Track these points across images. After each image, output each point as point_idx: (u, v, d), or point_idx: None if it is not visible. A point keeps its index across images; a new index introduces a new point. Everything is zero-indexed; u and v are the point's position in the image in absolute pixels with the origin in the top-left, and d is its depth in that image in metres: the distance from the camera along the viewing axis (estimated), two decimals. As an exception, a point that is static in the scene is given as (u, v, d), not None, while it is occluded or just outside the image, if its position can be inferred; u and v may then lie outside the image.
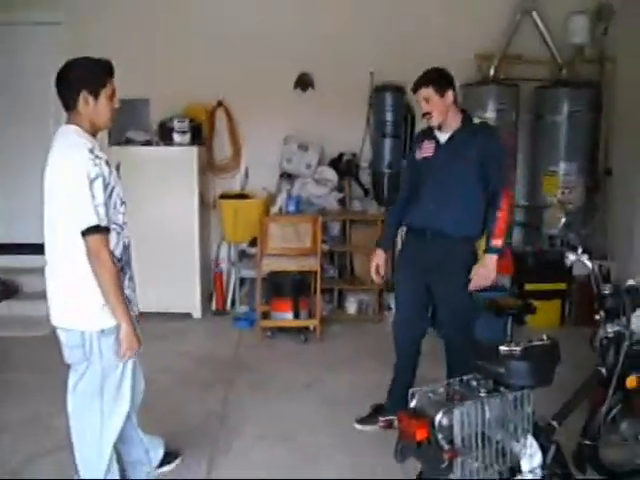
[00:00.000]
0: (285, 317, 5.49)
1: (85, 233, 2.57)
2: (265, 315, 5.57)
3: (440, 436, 2.22)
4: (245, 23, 6.17)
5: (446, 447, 2.21)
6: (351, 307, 6.09)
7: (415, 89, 3.53)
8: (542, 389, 2.53)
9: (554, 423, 2.73)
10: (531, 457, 2.49)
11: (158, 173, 5.70)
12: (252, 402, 4.21)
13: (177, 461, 3.38)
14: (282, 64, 6.19)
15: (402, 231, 3.92)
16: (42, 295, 2.87)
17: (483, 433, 2.32)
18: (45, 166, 2.70)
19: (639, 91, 5.63)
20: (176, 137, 5.81)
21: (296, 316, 5.48)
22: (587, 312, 4.53)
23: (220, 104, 6.32)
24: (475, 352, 2.66)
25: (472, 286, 3.47)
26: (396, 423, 2.35)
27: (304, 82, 6.30)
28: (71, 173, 2.58)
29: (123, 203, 2.78)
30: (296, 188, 6.11)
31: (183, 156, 5.83)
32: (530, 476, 2.50)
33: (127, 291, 2.80)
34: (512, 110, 5.97)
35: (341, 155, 6.29)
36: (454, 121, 3.53)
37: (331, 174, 6.19)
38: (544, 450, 2.58)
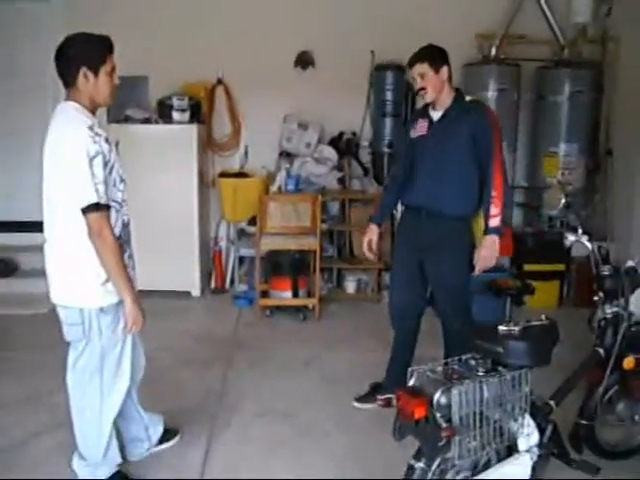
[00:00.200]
0: (284, 296, 5.50)
1: (85, 211, 2.57)
2: (264, 294, 5.58)
3: (438, 415, 2.23)
4: (245, 0, 6.11)
5: (444, 425, 2.22)
6: (350, 286, 6.10)
7: (410, 65, 3.54)
8: (540, 369, 2.54)
9: (551, 403, 2.75)
10: (528, 436, 2.52)
11: (157, 151, 5.68)
12: (251, 380, 4.23)
13: (176, 438, 3.40)
14: (282, 42, 6.14)
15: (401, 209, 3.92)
16: (41, 273, 2.87)
17: (481, 412, 2.34)
18: (44, 143, 2.69)
19: (641, 72, 5.61)
20: (175, 115, 5.78)
21: (295, 295, 5.49)
22: (586, 293, 4.56)
23: (220, 82, 6.28)
24: (474, 332, 2.66)
25: (477, 270, 3.47)
26: (395, 401, 2.35)
27: (304, 60, 6.26)
28: (70, 150, 2.57)
29: (122, 181, 2.77)
30: (296, 167, 6.09)
31: (182, 134, 5.80)
32: (527, 455, 2.52)
33: (127, 269, 2.81)
34: (513, 90, 5.94)
35: (341, 134, 6.27)
36: (447, 98, 3.53)
37: (331, 153, 6.17)
38: (541, 430, 2.60)
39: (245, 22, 6.13)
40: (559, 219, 5.53)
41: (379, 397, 3.77)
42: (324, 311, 5.56)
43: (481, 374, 2.41)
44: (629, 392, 3.06)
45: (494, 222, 3.41)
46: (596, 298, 3.03)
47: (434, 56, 3.49)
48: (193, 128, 5.82)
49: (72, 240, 2.66)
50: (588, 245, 3.04)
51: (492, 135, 3.45)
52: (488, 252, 3.43)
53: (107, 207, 2.63)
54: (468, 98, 3.60)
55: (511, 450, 2.52)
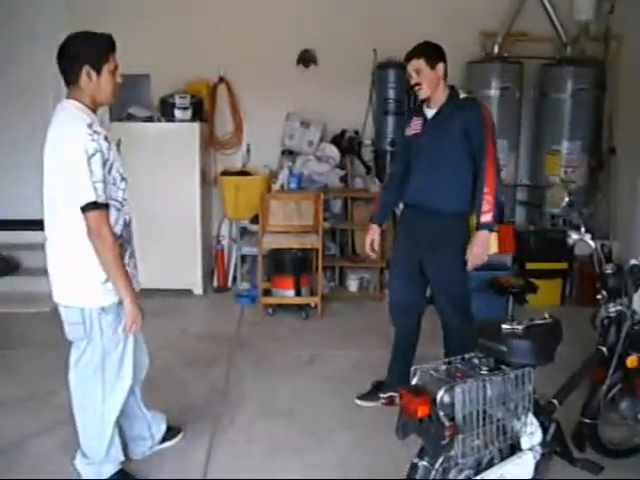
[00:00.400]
0: (286, 294, 5.50)
1: (84, 209, 2.56)
2: (266, 292, 5.58)
3: (441, 413, 2.22)
4: (247, -2, 6.13)
5: (447, 424, 2.21)
6: (352, 285, 6.10)
7: (407, 60, 3.55)
8: (543, 368, 2.53)
9: (555, 402, 2.74)
10: (531, 435, 2.51)
11: (159, 149, 5.68)
12: (254, 378, 4.23)
13: (179, 437, 3.40)
14: (285, 40, 6.14)
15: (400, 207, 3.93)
16: (43, 271, 2.88)
17: (484, 411, 2.33)
18: (44, 142, 2.69)
19: (644, 70, 5.60)
20: (177, 113, 5.78)
21: (297, 293, 5.49)
22: (588, 292, 4.54)
23: (222, 80, 6.27)
24: (477, 330, 2.65)
25: (470, 266, 3.48)
26: (398, 400, 2.35)
27: (307, 58, 6.25)
28: (69, 149, 2.56)
29: (123, 179, 2.76)
30: (298, 165, 6.09)
31: (184, 132, 5.80)
32: (530, 454, 2.52)
33: (128, 268, 2.80)
34: (516, 88, 5.94)
35: (343, 132, 6.27)
36: (442, 95, 3.54)
37: (333, 151, 6.17)
38: (544, 428, 2.60)
39: (247, 20, 6.13)
40: (562, 217, 5.53)
41: (382, 395, 3.77)
42: (326, 309, 5.55)
43: (484, 373, 2.41)
44: (632, 391, 3.06)
45: (485, 218, 3.40)
46: (599, 297, 3.03)
47: (431, 52, 3.51)
48: (195, 126, 5.81)
49: (72, 239, 2.66)
50: (591, 243, 3.03)
51: (485, 131, 3.45)
52: (480, 249, 3.43)
53: (106, 206, 2.62)
54: (463, 95, 3.61)
55: (514, 449, 2.52)
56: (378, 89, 6.20)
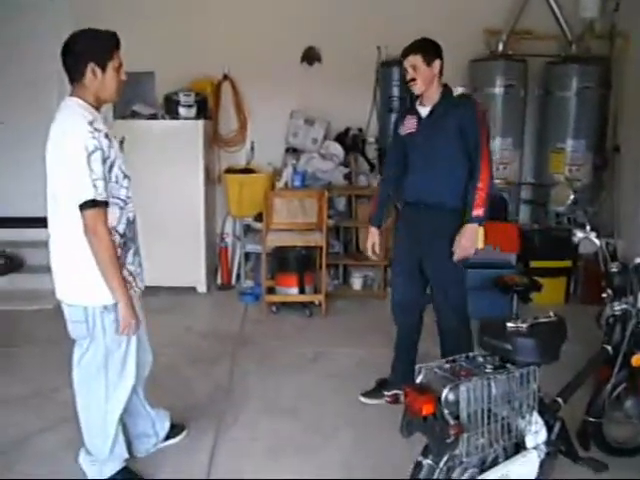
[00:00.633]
0: (290, 292, 5.50)
1: (82, 207, 2.55)
2: (270, 290, 5.58)
3: (446, 411, 2.22)
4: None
5: (452, 422, 2.21)
6: (356, 283, 6.10)
7: (404, 56, 3.59)
8: (548, 366, 2.53)
9: (559, 400, 2.74)
10: (536, 434, 2.51)
11: (163, 147, 5.68)
12: (257, 376, 4.23)
13: (183, 434, 3.40)
14: (289, 38, 6.14)
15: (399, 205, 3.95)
16: (47, 269, 2.87)
17: (489, 409, 2.32)
18: (47, 139, 2.68)
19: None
20: (182, 111, 5.78)
21: (301, 291, 5.48)
22: (593, 290, 4.54)
23: (226, 77, 6.27)
24: (481, 328, 2.65)
25: (455, 258, 3.49)
26: (402, 398, 2.35)
27: (311, 56, 6.25)
28: (69, 146, 2.56)
29: (126, 177, 2.74)
30: (302, 163, 6.09)
31: (189, 130, 5.80)
32: (534, 452, 2.51)
33: (132, 266, 2.80)
34: (520, 86, 5.93)
35: (347, 130, 6.27)
36: (436, 93, 3.56)
37: (337, 149, 6.17)
38: (549, 427, 2.59)
39: (252, 18, 6.13)
40: (566, 216, 5.52)
41: (386, 393, 3.77)
42: (330, 307, 5.55)
43: (489, 371, 2.40)
44: (637, 389, 3.05)
45: (476, 212, 3.43)
46: (604, 295, 3.02)
47: (427, 49, 3.54)
48: (199, 124, 5.82)
49: (75, 236, 2.63)
50: (596, 242, 3.03)
51: (479, 128, 3.47)
52: (468, 241, 3.45)
53: (105, 204, 2.60)
54: (457, 93, 3.62)
55: (519, 447, 2.51)
56: (382, 87, 6.20)
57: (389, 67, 6.07)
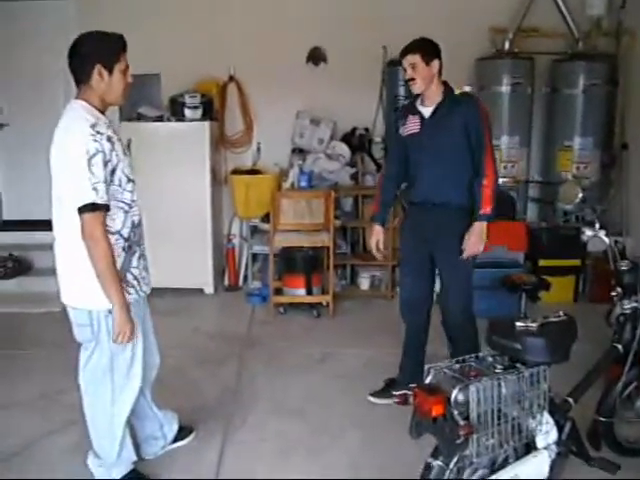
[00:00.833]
0: (298, 293, 5.49)
1: (81, 211, 2.53)
2: (278, 291, 5.57)
3: (456, 412, 2.20)
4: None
5: (462, 423, 2.19)
6: (364, 283, 6.09)
7: (403, 55, 3.57)
8: (558, 366, 2.50)
9: (570, 400, 2.71)
10: (546, 434, 2.49)
11: (170, 149, 5.69)
12: (265, 377, 4.22)
13: (191, 436, 3.39)
14: (294, 38, 6.13)
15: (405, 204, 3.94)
16: (54, 271, 2.85)
17: (499, 409, 2.31)
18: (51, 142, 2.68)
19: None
20: (188, 112, 5.77)
21: (309, 292, 5.47)
22: (602, 288, 4.51)
23: (232, 79, 6.27)
24: (490, 328, 2.63)
25: (465, 255, 3.50)
26: (411, 399, 2.33)
27: (316, 56, 6.24)
28: (71, 149, 2.55)
29: (130, 181, 2.72)
30: (308, 163, 6.08)
31: (195, 131, 5.80)
32: (545, 453, 2.50)
33: (136, 270, 2.78)
34: (527, 84, 5.90)
35: (354, 130, 6.26)
36: (436, 93, 3.56)
37: (343, 149, 6.15)
38: (559, 427, 2.57)
39: (257, 19, 6.12)
40: (574, 214, 5.49)
41: (395, 394, 3.73)
42: (338, 308, 5.54)
43: (499, 371, 2.39)
44: (648, 388, 3.03)
45: (485, 210, 3.45)
46: (614, 293, 3.00)
47: (427, 48, 3.54)
48: (205, 125, 5.81)
49: (79, 240, 2.60)
50: (606, 240, 3.00)
51: (483, 125, 3.49)
52: (476, 238, 3.47)
53: (105, 208, 2.58)
54: (458, 91, 3.61)
55: (529, 448, 2.49)
56: (388, 86, 6.18)
57: (395, 67, 6.02)
